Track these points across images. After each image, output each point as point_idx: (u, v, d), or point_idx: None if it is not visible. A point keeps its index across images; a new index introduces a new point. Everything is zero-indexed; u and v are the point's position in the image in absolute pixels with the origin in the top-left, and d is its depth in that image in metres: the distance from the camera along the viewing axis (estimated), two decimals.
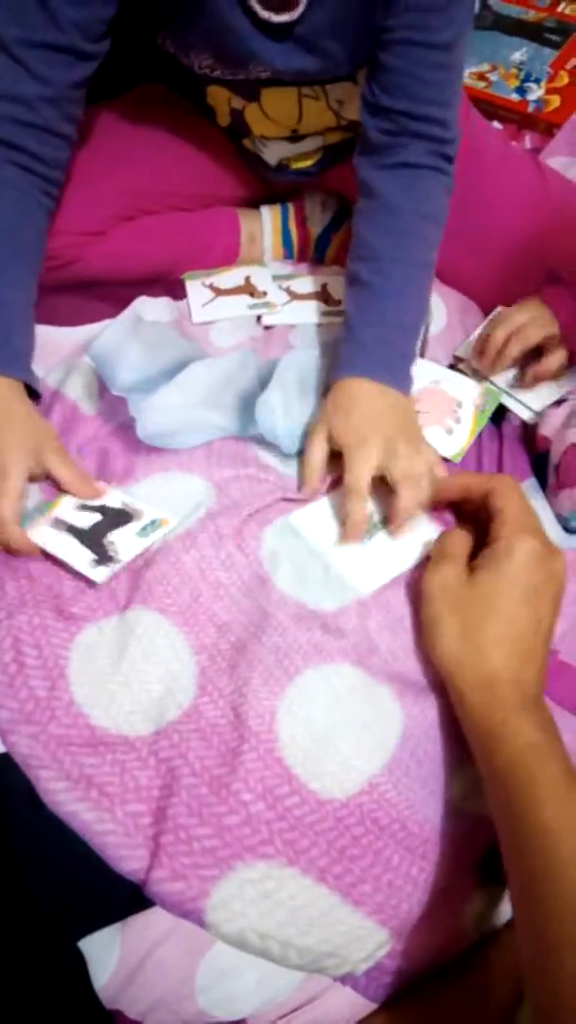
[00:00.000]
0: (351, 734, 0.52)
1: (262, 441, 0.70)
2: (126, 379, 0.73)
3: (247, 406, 0.73)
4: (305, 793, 0.50)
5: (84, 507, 0.64)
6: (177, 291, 0.87)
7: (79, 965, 0.46)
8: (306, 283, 0.90)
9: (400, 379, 0.70)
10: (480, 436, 0.72)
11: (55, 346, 0.76)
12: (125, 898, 0.47)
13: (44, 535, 0.61)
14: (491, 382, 0.76)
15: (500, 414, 0.76)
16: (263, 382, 0.75)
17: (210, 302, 0.87)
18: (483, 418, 0.73)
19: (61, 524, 0.62)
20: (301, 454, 0.68)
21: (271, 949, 0.46)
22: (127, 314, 0.79)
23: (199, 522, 0.62)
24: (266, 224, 0.94)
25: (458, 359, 0.79)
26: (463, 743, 0.54)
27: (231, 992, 0.46)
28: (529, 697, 0.49)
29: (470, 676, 0.49)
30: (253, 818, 0.49)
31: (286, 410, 0.72)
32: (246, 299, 0.88)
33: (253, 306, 0.87)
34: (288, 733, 0.52)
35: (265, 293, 0.88)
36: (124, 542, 0.62)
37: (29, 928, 0.47)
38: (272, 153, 0.86)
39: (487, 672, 0.49)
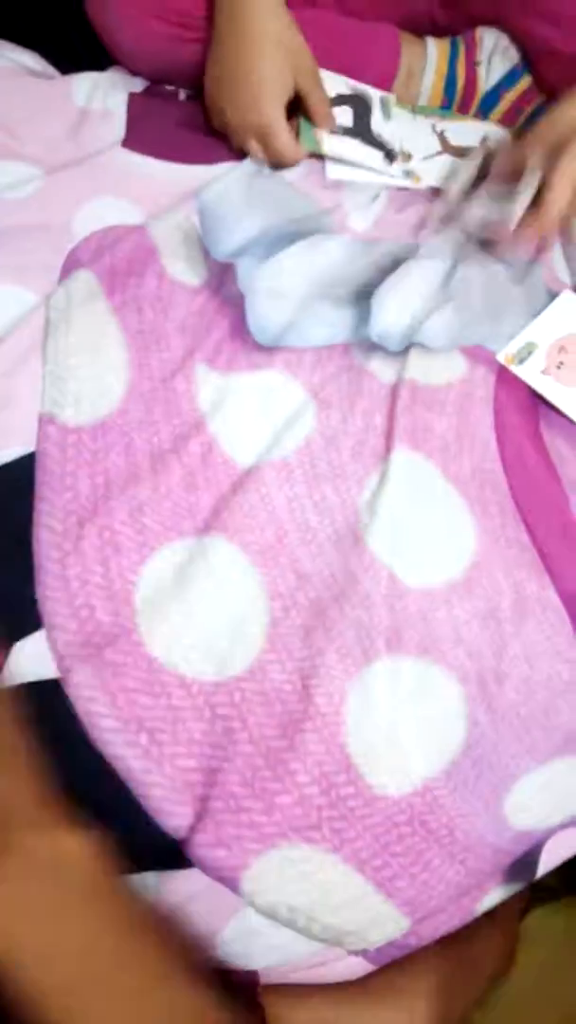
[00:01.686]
0: (416, 733, 0.50)
1: (373, 347, 0.61)
2: (234, 244, 0.63)
3: (362, 299, 0.63)
4: (361, 786, 0.49)
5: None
6: None
7: None
8: (467, 131, 0.74)
9: None
10: None
11: (160, 187, 0.65)
12: (163, 850, 0.47)
13: (328, 143, 0.67)
14: None
15: None
16: (384, 271, 0.65)
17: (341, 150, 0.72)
18: None
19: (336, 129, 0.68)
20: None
21: (297, 921, 0.47)
22: (248, 161, 0.67)
23: (296, 453, 0.56)
24: (431, 58, 0.78)
25: None
26: (527, 756, 0.52)
27: (250, 948, 0.48)
28: None
29: None
30: (305, 801, 0.48)
31: (401, 308, 0.62)
32: (377, 154, 0.73)
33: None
34: (355, 721, 0.50)
35: (410, 156, 0.73)
36: (384, 128, 0.69)
37: None
38: None
39: None
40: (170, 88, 0.74)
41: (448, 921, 0.51)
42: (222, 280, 0.62)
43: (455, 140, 0.75)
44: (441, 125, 0.75)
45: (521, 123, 0.78)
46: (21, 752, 0.42)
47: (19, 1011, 0.35)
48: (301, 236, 0.64)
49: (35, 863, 0.37)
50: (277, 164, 0.67)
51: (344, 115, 0.71)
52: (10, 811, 0.39)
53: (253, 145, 0.66)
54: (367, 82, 0.75)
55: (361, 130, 0.72)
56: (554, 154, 0.59)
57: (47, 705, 0.48)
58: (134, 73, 0.73)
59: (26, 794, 0.40)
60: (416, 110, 0.76)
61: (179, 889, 0.47)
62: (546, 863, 0.53)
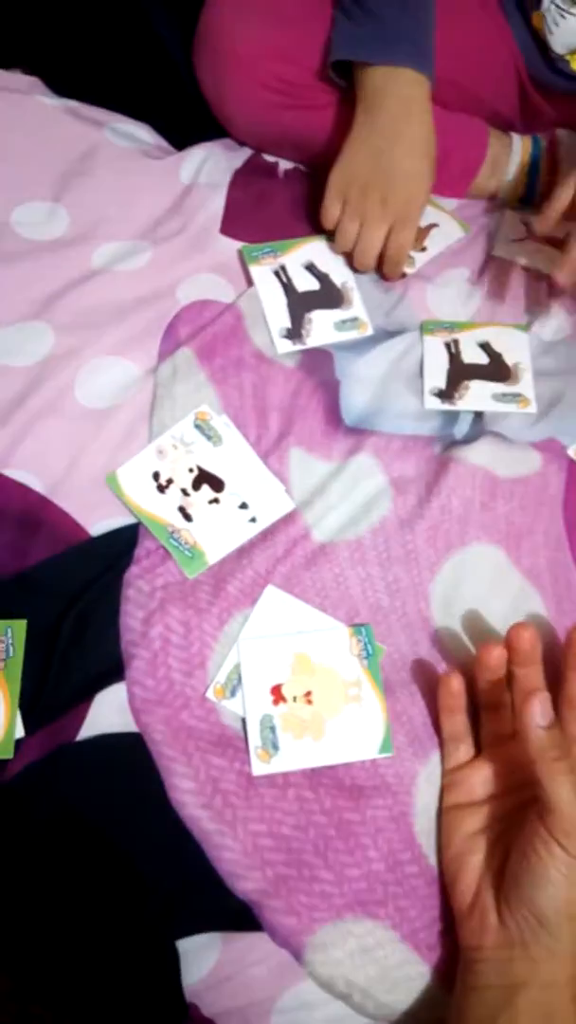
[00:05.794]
0: None
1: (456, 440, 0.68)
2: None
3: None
4: (423, 865, 0.53)
5: (311, 268, 0.71)
6: None
7: (172, 959, 0.51)
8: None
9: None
10: None
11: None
12: (233, 912, 0.51)
13: (262, 276, 0.70)
14: None
15: None
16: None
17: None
18: None
19: (282, 274, 0.70)
20: None
21: (352, 996, 0.51)
22: None
23: (371, 533, 0.62)
24: (515, 150, 0.85)
25: None
26: None
27: (303, 1019, 0.51)
28: None
29: None
30: (372, 876, 0.52)
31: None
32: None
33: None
34: (422, 803, 0.54)
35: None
36: (320, 327, 0.69)
37: (134, 915, 0.51)
38: (564, 35, 0.77)
39: None
40: (271, 160, 0.82)
41: None
42: (317, 362, 0.68)
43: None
44: None
45: None
46: None
47: None
48: (393, 331, 0.72)
49: None
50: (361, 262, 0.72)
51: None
52: None
53: (375, 233, 0.72)
54: (452, 168, 0.82)
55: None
56: None
57: (127, 757, 0.53)
58: (239, 142, 0.81)
59: None
60: None
61: (243, 952, 0.51)
62: None
